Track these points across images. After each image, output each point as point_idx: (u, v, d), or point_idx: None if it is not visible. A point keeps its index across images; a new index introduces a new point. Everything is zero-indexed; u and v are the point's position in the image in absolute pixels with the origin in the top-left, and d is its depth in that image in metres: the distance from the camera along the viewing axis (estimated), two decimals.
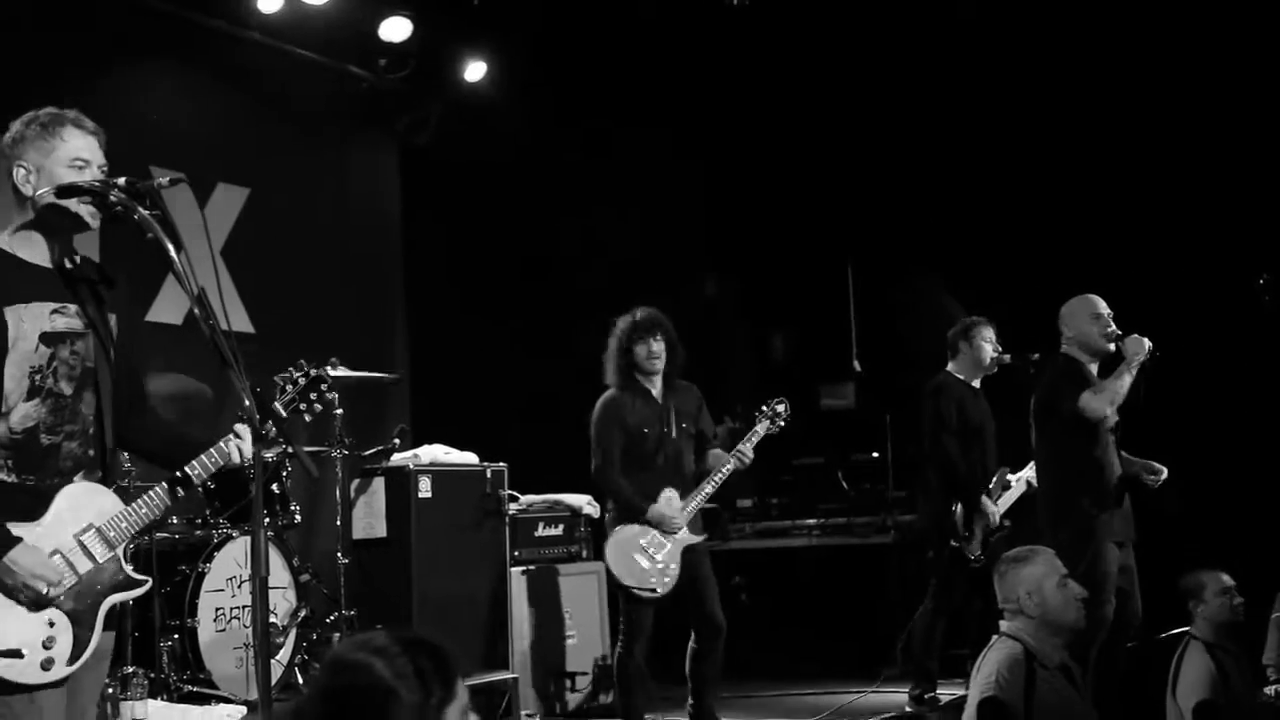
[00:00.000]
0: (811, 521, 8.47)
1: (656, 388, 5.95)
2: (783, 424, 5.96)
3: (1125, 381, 5.49)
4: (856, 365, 8.77)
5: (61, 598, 3.21)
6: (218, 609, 5.61)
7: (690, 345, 8.65)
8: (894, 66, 8.28)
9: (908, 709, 6.33)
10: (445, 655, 2.14)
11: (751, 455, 5.88)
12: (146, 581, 3.43)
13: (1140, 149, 7.69)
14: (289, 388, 3.66)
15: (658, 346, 5.90)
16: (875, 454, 8.47)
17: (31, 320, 3.26)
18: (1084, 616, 4.16)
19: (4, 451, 3.22)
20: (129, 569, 3.39)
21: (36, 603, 3.18)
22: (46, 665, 3.17)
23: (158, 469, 3.58)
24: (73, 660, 3.23)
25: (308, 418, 3.69)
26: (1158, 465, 5.84)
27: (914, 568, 6.95)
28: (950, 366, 6.64)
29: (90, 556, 3.28)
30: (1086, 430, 5.55)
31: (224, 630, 5.62)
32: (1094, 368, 5.70)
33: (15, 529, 3.18)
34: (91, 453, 3.37)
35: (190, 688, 5.39)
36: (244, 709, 5.28)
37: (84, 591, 3.26)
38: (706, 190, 8.83)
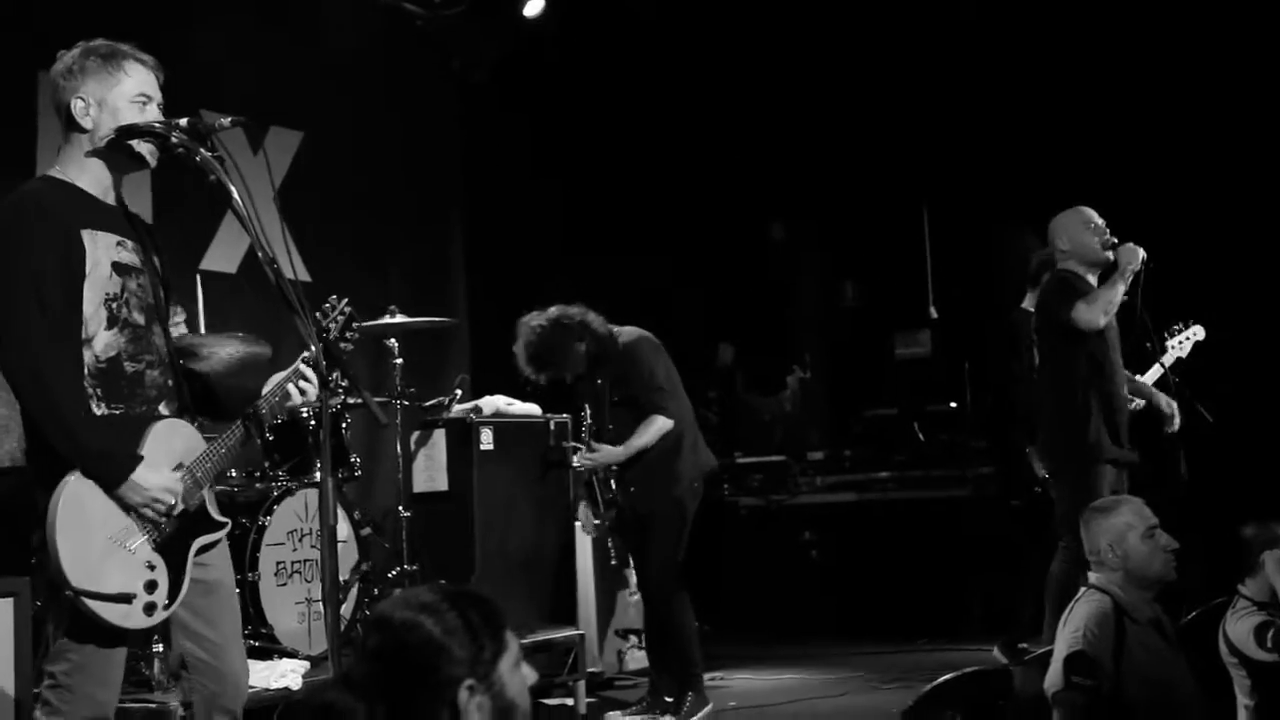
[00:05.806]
0: (885, 474, 8.28)
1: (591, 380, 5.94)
2: None
3: (1119, 290, 5.38)
4: (933, 311, 8.57)
5: (162, 528, 3.20)
6: (279, 563, 5.53)
7: (759, 292, 8.41)
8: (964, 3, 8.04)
9: (1000, 658, 6.16)
10: (493, 608, 2.16)
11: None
12: (228, 524, 3.44)
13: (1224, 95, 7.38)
14: (331, 326, 3.58)
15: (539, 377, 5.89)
16: (953, 404, 8.28)
17: (103, 248, 3.25)
18: (1173, 569, 3.98)
19: (92, 381, 3.21)
20: (213, 510, 3.39)
21: (163, 516, 3.18)
22: (149, 610, 3.20)
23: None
24: (169, 605, 3.24)
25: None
26: (1168, 402, 5.68)
27: (995, 520, 6.75)
28: (1025, 302, 6.44)
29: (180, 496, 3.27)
30: (1088, 343, 5.43)
31: (285, 584, 5.54)
32: (1093, 279, 5.55)
33: None
34: (171, 382, 3.37)
35: (253, 642, 5.29)
36: (306, 664, 5.24)
37: (175, 533, 3.25)
38: (776, 134, 8.63)
